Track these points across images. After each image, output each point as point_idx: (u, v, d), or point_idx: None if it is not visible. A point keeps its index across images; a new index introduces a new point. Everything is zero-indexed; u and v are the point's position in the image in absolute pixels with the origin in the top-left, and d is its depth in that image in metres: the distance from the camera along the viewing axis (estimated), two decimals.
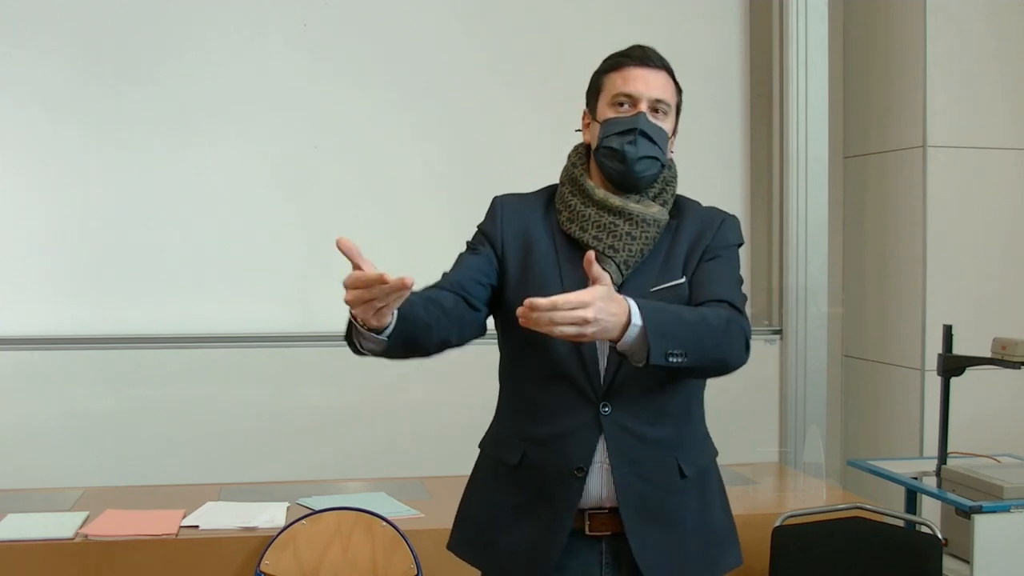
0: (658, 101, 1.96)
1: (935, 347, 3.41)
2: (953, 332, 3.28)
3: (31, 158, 3.77)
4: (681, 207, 2.04)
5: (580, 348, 1.89)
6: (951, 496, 3.08)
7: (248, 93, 3.89)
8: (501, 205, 2.04)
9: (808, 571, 2.80)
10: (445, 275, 1.98)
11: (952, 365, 3.24)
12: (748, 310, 2.01)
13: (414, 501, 3.06)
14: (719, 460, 2.07)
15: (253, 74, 3.90)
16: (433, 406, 3.77)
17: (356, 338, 1.79)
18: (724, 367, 1.87)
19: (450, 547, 2.08)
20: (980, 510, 2.93)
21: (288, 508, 2.94)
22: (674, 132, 2.02)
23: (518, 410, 1.99)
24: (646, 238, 1.94)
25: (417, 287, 1.79)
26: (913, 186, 4.15)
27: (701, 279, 1.96)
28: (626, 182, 1.95)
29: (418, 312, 1.80)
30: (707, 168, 4.09)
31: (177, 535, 2.74)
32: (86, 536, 2.71)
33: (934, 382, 3.44)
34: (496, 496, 2.00)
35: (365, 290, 1.68)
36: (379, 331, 1.74)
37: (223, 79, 3.87)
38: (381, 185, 4.00)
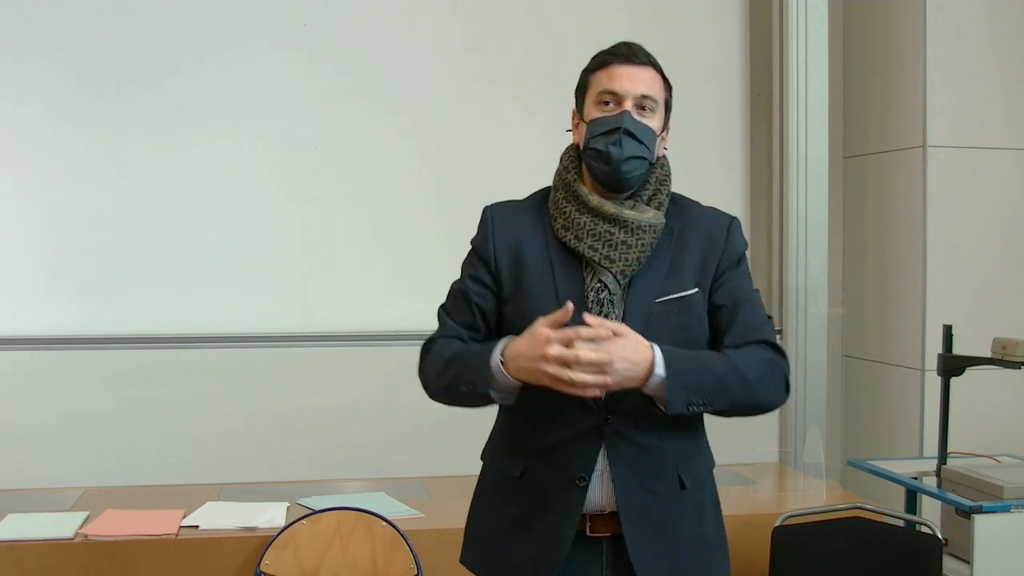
0: (644, 97, 1.92)
1: (935, 347, 3.40)
2: (953, 332, 3.27)
3: (31, 158, 3.77)
4: (680, 208, 2.01)
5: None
6: (951, 496, 3.08)
7: (248, 93, 3.89)
8: (491, 216, 2.02)
9: (808, 571, 2.80)
10: (446, 311, 2.01)
11: (952, 365, 3.24)
12: None
13: (414, 501, 3.06)
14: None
15: (253, 74, 3.90)
16: (433, 406, 3.74)
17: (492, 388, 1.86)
18: (758, 410, 1.94)
19: (462, 561, 2.09)
20: (980, 510, 2.93)
21: (288, 508, 2.94)
22: (665, 129, 1.99)
23: (519, 421, 1.97)
24: (642, 245, 1.91)
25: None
26: (913, 186, 4.15)
27: (732, 314, 1.95)
28: (613, 183, 1.92)
29: None
30: (707, 168, 4.09)
31: (177, 535, 2.74)
32: (86, 536, 2.71)
33: (934, 382, 3.44)
34: (500, 508, 2.01)
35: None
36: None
37: (223, 79, 3.87)
38: (381, 185, 4.00)
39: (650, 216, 1.93)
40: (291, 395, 3.89)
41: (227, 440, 3.78)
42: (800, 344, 4.15)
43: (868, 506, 2.98)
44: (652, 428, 1.89)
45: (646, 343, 1.80)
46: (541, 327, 1.78)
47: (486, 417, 2.07)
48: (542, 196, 2.04)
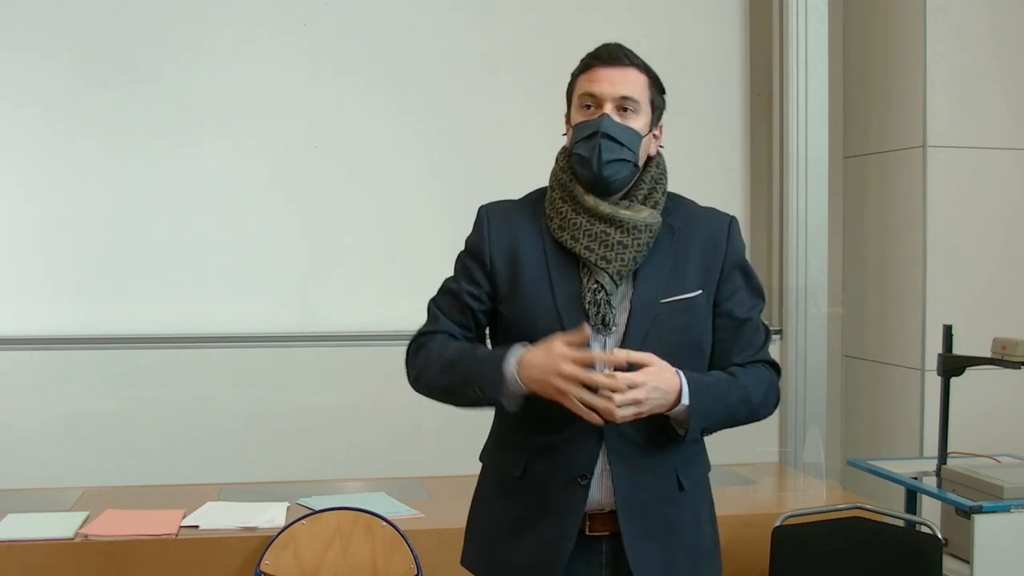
0: (624, 99, 1.91)
1: (935, 347, 3.40)
2: (953, 332, 3.27)
3: (31, 158, 3.78)
4: (679, 208, 2.01)
5: None
6: (951, 496, 3.08)
7: (248, 93, 3.89)
8: (487, 216, 2.02)
9: (808, 571, 2.80)
10: (438, 307, 2.01)
11: (952, 365, 3.24)
12: None
13: (414, 501, 3.06)
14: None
15: (253, 74, 3.90)
16: (433, 406, 3.74)
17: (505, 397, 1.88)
18: (752, 422, 2.00)
19: (463, 563, 2.09)
20: (980, 510, 2.93)
21: (288, 508, 2.94)
22: (656, 128, 1.98)
23: (519, 421, 1.96)
24: (639, 245, 1.91)
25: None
26: (913, 186, 4.15)
27: (739, 331, 1.98)
28: (597, 187, 1.92)
29: None
30: (707, 168, 4.09)
31: (177, 535, 2.74)
32: (86, 536, 2.71)
33: (934, 382, 3.44)
34: (501, 508, 2.00)
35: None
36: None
37: (223, 79, 3.87)
38: (381, 185, 4.00)
39: (646, 215, 1.93)
40: (291, 395, 3.89)
41: (227, 440, 3.78)
42: (800, 344, 4.15)
43: (868, 506, 2.98)
44: (649, 427, 1.90)
45: (673, 370, 1.83)
46: (558, 343, 1.81)
47: (486, 417, 2.07)
48: (538, 196, 2.04)
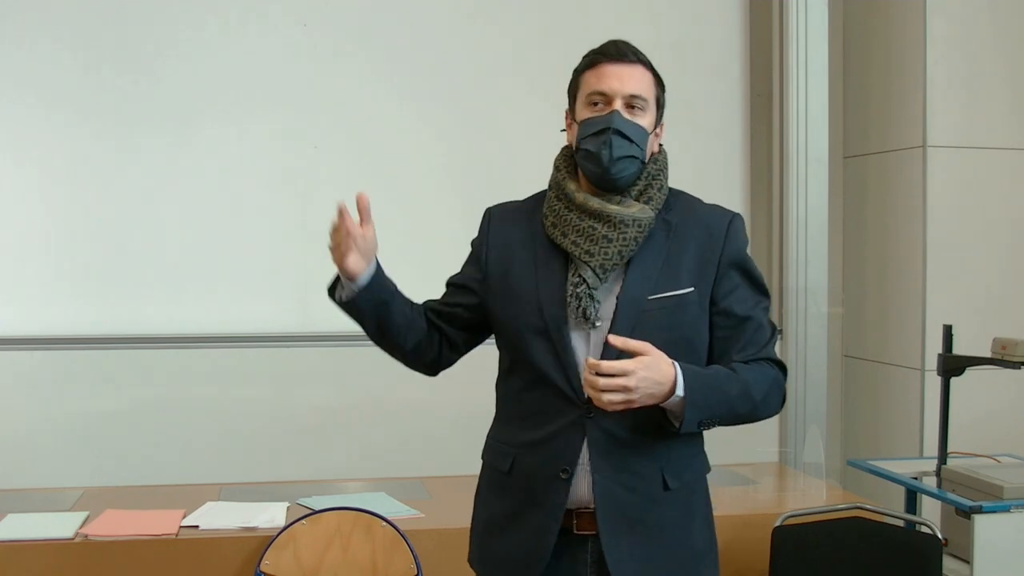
0: (633, 97, 1.92)
1: (935, 347, 3.40)
2: (953, 332, 3.27)
3: (31, 158, 3.77)
4: (679, 204, 2.00)
5: (560, 354, 1.90)
6: (951, 496, 3.08)
7: (248, 93, 3.89)
8: (490, 218, 2.09)
9: (808, 571, 2.80)
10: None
11: (952, 365, 3.24)
12: None
13: (414, 501, 3.06)
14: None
15: (253, 73, 3.89)
16: (433, 406, 3.76)
17: (338, 291, 2.08)
18: (755, 420, 1.96)
19: (469, 560, 2.10)
20: (980, 510, 2.93)
21: (288, 508, 2.94)
22: (658, 126, 1.99)
23: (509, 417, 2.00)
24: (624, 239, 1.90)
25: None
26: (913, 186, 4.15)
27: (740, 328, 1.95)
28: (605, 183, 1.93)
29: (399, 300, 2.08)
30: (707, 168, 4.09)
31: (177, 535, 2.74)
32: (86, 536, 2.71)
33: (934, 382, 3.44)
34: (492, 504, 2.03)
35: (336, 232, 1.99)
36: (352, 279, 2.07)
37: (223, 79, 3.87)
38: (382, 185, 3.99)
39: (635, 210, 1.92)
40: (291, 395, 3.89)
41: (227, 440, 3.78)
42: (800, 344, 4.15)
43: (868, 506, 2.98)
44: (634, 425, 1.88)
45: (669, 361, 1.81)
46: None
47: (485, 417, 2.08)
48: (540, 196, 2.06)
